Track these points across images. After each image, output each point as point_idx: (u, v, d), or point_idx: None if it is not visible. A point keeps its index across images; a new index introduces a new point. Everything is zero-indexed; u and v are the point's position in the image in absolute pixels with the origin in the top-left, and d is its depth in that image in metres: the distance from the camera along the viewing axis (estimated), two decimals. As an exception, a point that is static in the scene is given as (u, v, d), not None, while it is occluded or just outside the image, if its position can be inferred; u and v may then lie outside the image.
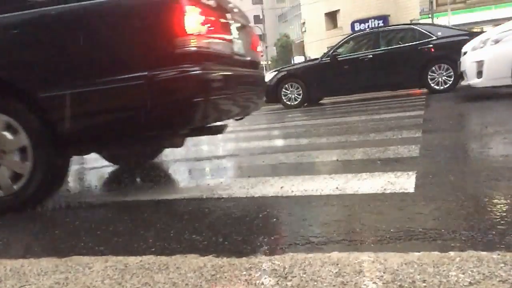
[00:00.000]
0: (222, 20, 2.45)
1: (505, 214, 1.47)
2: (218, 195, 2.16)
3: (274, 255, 1.30)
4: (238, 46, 2.69)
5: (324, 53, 9.83)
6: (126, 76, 2.06)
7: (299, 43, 43.49)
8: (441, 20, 26.38)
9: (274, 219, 1.73)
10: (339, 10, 33.67)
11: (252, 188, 2.22)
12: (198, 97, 2.08)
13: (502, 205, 1.57)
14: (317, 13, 35.28)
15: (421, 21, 26.37)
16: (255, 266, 1.23)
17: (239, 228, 1.63)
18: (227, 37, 2.50)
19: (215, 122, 2.51)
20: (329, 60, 9.18)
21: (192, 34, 2.04)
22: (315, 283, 1.09)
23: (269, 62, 43.87)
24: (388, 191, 1.89)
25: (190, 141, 4.06)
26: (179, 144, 2.38)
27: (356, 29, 28.71)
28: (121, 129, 2.21)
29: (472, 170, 2.12)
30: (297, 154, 3.15)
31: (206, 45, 2.15)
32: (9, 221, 2.12)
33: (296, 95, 9.41)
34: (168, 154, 3.87)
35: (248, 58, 2.88)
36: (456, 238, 1.31)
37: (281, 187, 2.15)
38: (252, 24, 3.34)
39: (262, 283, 1.12)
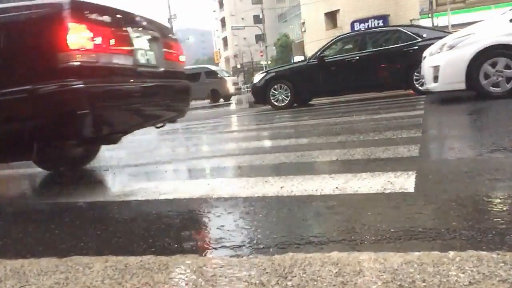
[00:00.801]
0: (120, 34, 2.54)
1: (505, 214, 1.47)
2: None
3: (274, 255, 1.30)
4: (147, 58, 2.82)
5: (312, 55, 9.91)
6: (11, 89, 2.19)
7: (299, 43, 43.49)
8: (441, 19, 26.41)
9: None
10: (339, 10, 33.67)
11: (250, 189, 2.22)
12: (81, 110, 2.20)
13: (502, 205, 1.57)
14: (317, 13, 35.28)
15: (421, 21, 26.39)
16: (255, 266, 1.23)
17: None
18: (126, 49, 2.59)
19: (121, 131, 2.69)
20: (316, 62, 9.26)
21: (76, 50, 2.16)
22: (315, 282, 1.09)
23: (269, 62, 43.89)
24: (388, 191, 1.89)
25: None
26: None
27: (356, 28, 28.73)
28: (11, 140, 2.33)
29: (472, 169, 2.12)
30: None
31: (93, 59, 2.26)
32: None
33: (284, 96, 9.49)
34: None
35: (162, 69, 3.01)
36: (456, 237, 1.31)
37: (281, 187, 2.16)
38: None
39: (262, 283, 1.12)
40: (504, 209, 1.53)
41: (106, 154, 4.35)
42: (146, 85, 2.78)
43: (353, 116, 5.76)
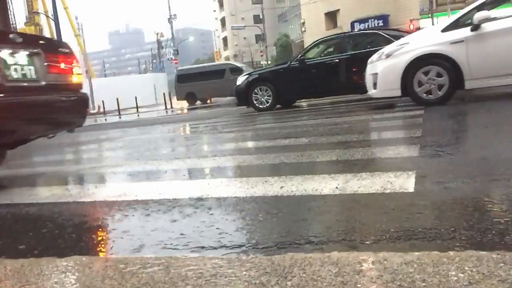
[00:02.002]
0: None
1: (504, 214, 1.47)
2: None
3: (274, 255, 1.30)
4: (23, 73, 2.97)
5: (293, 57, 9.96)
6: None
7: (298, 42, 43.49)
8: (441, 19, 26.40)
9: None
10: (339, 10, 33.67)
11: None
12: None
13: (501, 205, 1.57)
14: (316, 13, 35.28)
15: (421, 21, 26.39)
16: (255, 266, 1.23)
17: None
18: None
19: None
20: (297, 64, 9.36)
21: None
22: (315, 282, 1.09)
23: (269, 62, 43.87)
24: (387, 191, 1.89)
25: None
26: None
27: (356, 29, 28.73)
28: None
29: (472, 170, 2.13)
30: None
31: None
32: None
33: (266, 98, 9.59)
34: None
35: (44, 83, 3.13)
36: (456, 237, 1.31)
37: (281, 187, 2.16)
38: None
39: (262, 283, 1.12)
40: (504, 209, 1.53)
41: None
42: (18, 99, 2.90)
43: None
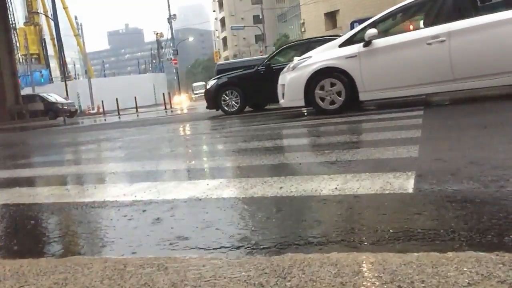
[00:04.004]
0: None
1: (503, 215, 1.47)
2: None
3: (273, 255, 1.30)
4: None
5: (260, 62, 10.23)
6: None
7: (298, 43, 43.41)
8: (440, 20, 26.37)
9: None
10: (338, 10, 33.69)
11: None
12: None
13: (500, 206, 1.57)
14: (316, 13, 35.31)
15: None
16: (254, 267, 1.23)
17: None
18: None
19: None
20: (264, 69, 9.55)
21: None
22: (314, 283, 1.09)
23: (269, 62, 43.81)
24: (387, 192, 1.89)
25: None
26: None
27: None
28: None
29: (471, 170, 2.13)
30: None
31: None
32: None
33: (234, 102, 9.79)
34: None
35: None
36: (455, 238, 1.31)
37: (281, 187, 2.16)
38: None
39: (261, 284, 1.12)
40: (503, 210, 1.53)
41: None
42: None
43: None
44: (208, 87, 10.47)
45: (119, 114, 21.73)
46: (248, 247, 1.44)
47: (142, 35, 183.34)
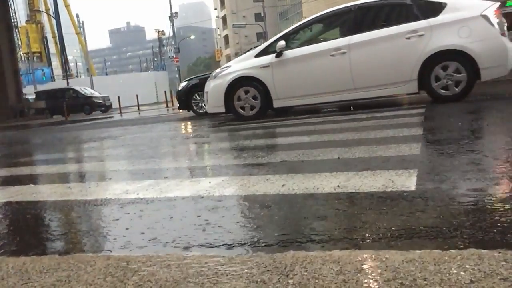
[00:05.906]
0: None
1: (506, 212, 1.47)
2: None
3: (276, 253, 1.30)
4: None
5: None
6: None
7: (300, 41, 43.35)
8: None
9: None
10: (340, 8, 33.53)
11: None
12: None
13: (503, 203, 1.57)
14: (318, 11, 35.22)
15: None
16: (256, 264, 1.23)
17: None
18: None
19: None
20: None
21: None
22: (316, 281, 1.09)
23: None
24: (389, 189, 1.89)
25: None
26: None
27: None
28: None
29: (474, 168, 2.12)
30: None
31: None
32: None
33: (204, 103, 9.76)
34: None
35: None
36: (457, 236, 1.31)
37: (283, 185, 2.16)
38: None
39: (264, 281, 1.12)
40: (506, 207, 1.52)
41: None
42: None
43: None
44: (179, 88, 10.46)
45: (120, 112, 21.76)
46: (250, 244, 1.44)
47: (143, 33, 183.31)
